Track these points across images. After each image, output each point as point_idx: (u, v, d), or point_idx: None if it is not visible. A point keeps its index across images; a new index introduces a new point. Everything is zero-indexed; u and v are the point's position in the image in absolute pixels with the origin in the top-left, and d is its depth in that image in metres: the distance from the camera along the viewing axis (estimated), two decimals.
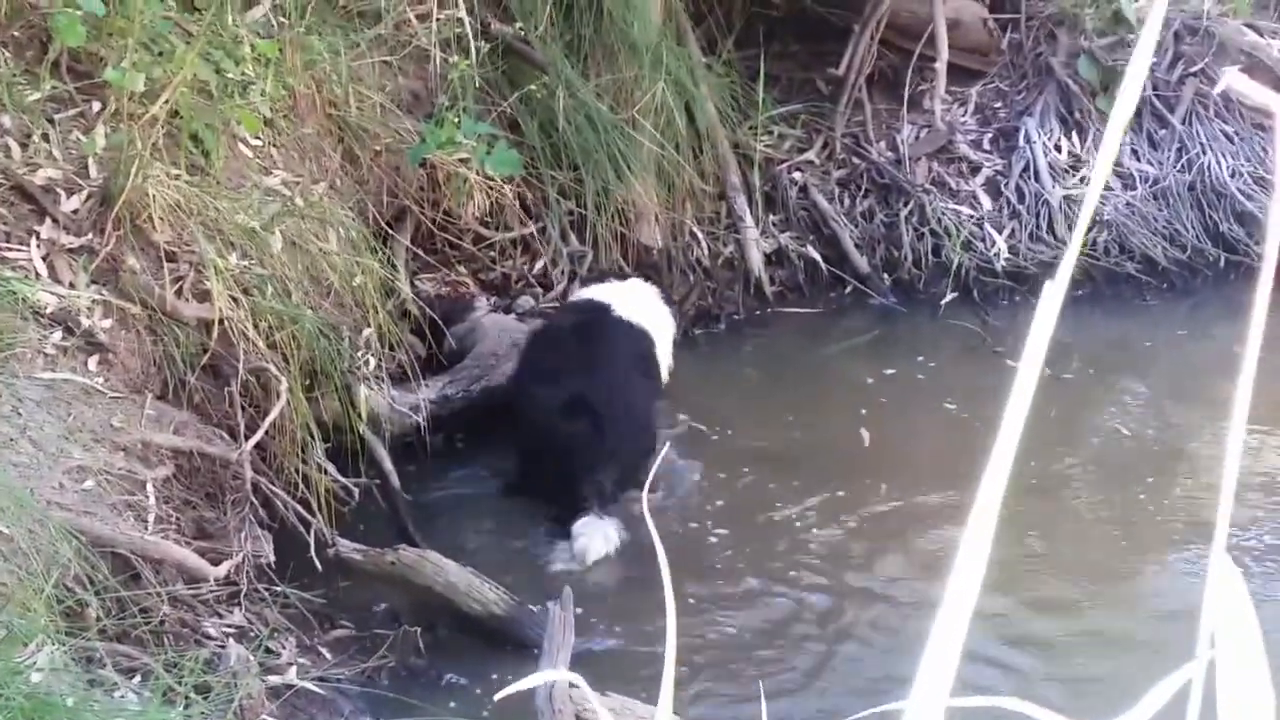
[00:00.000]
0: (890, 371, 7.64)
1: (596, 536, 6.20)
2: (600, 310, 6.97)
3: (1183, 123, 8.61)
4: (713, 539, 6.25)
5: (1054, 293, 1.12)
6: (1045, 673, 5.47)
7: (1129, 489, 6.57)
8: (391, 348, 6.39)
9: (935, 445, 7.09)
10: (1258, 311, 1.15)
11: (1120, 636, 5.64)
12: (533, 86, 7.32)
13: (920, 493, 6.51)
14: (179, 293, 5.42)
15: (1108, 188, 8.42)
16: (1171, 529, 6.26)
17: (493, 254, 7.50)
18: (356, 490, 5.83)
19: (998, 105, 8.93)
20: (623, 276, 7.47)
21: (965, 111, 8.91)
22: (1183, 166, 8.50)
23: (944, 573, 1.16)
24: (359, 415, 5.94)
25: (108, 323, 5.26)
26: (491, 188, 6.96)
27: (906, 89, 8.79)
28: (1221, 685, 1.14)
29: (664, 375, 7.10)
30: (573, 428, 6.48)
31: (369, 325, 6.21)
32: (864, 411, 7.16)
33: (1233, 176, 8.44)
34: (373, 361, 6.17)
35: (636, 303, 7.14)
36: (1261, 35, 8.93)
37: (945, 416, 7.18)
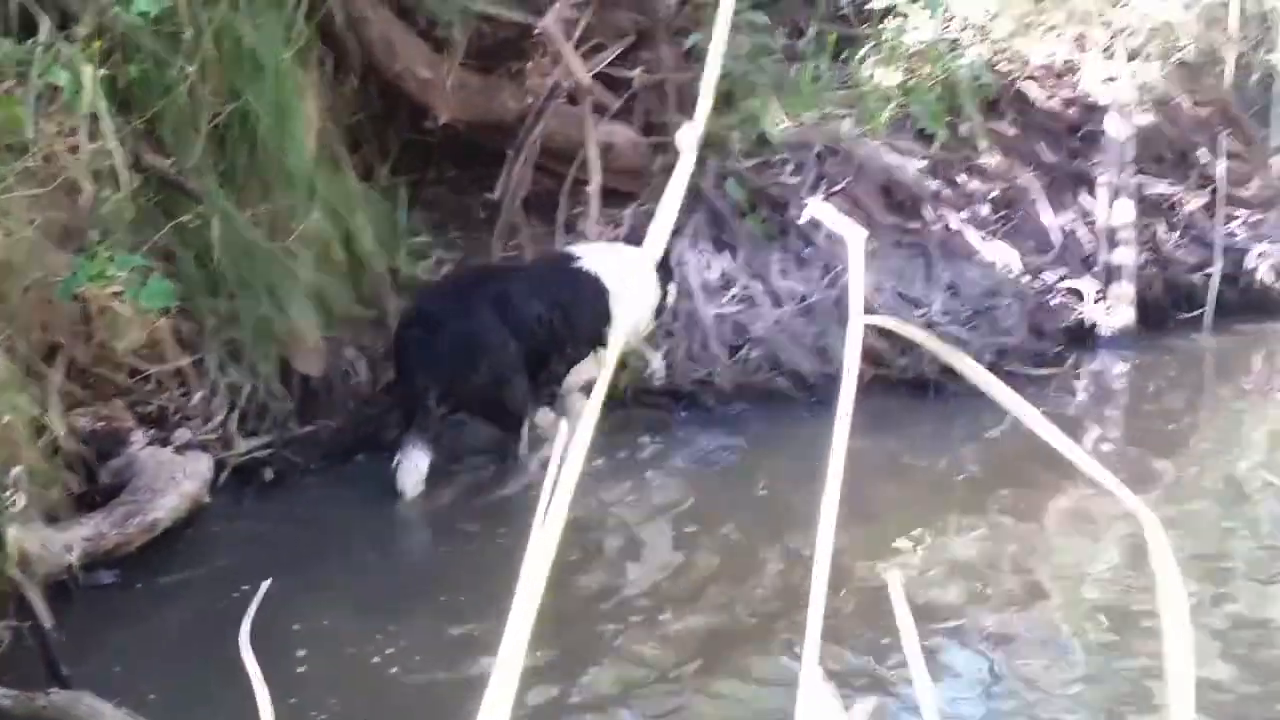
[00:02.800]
0: (633, 497, 7.69)
1: (409, 470, 7.30)
2: (562, 258, 8.07)
3: (827, 241, 8.97)
4: None
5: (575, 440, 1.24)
6: None
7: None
8: (44, 485, 6.26)
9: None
10: (840, 425, 1.31)
11: None
12: (187, 217, 7.24)
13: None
14: None
15: (755, 304, 8.79)
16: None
17: (150, 387, 7.34)
18: (7, 633, 5.66)
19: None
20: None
21: (620, 233, 9.10)
22: (829, 284, 8.86)
23: None
24: (8, 556, 5.76)
25: None
26: (146, 320, 6.91)
27: (561, 212, 9.04)
28: None
29: (619, 329, 7.83)
30: (411, 334, 7.55)
31: (19, 464, 6.02)
32: (692, 529, 7.32)
33: (877, 291, 8.81)
34: (22, 500, 5.97)
35: (615, 264, 7.92)
36: (900, 154, 9.44)
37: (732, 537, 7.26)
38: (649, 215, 9.14)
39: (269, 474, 7.60)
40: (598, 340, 7.82)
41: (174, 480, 6.91)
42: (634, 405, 8.40)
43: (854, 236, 1.37)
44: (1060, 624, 6.41)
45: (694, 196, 9.16)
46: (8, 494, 5.90)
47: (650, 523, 7.49)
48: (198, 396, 7.48)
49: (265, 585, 2.38)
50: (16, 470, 5.97)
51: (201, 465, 7.15)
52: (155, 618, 6.50)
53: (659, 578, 6.82)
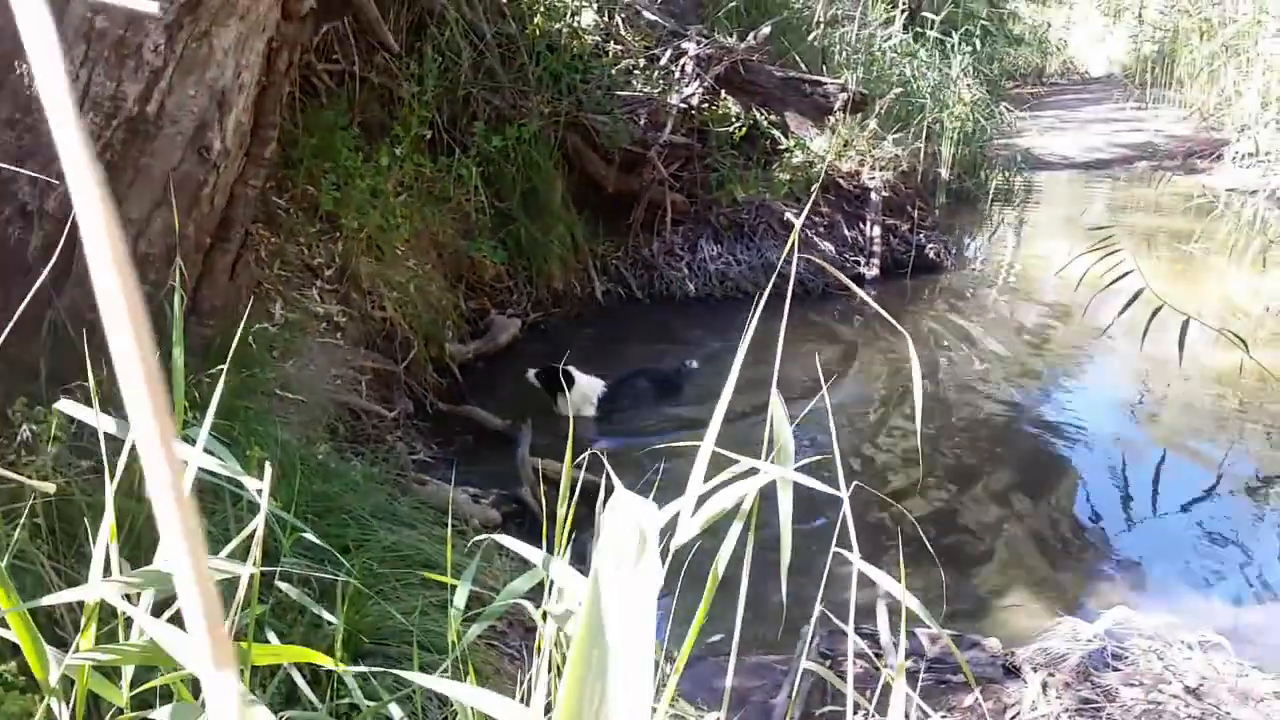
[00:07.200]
0: None
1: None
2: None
3: None
4: None
5: None
6: None
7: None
8: (458, 328, 8.27)
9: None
10: None
11: None
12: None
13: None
14: None
15: None
16: None
17: (497, 291, 9.25)
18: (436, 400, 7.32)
19: None
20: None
21: None
22: None
23: None
24: (448, 353, 7.78)
25: None
26: (495, 265, 8.79)
27: None
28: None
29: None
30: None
31: (449, 320, 7.96)
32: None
33: None
34: (450, 333, 7.86)
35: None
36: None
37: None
38: None
39: (544, 326, 9.49)
40: None
41: (506, 328, 8.82)
42: None
43: None
44: None
45: None
46: (447, 333, 7.82)
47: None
48: (515, 296, 9.43)
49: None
50: (448, 323, 7.91)
51: (515, 323, 9.02)
52: (499, 382, 8.29)
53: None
